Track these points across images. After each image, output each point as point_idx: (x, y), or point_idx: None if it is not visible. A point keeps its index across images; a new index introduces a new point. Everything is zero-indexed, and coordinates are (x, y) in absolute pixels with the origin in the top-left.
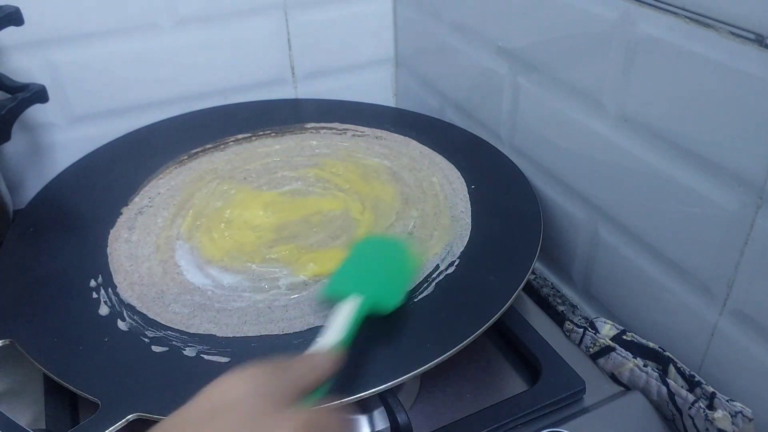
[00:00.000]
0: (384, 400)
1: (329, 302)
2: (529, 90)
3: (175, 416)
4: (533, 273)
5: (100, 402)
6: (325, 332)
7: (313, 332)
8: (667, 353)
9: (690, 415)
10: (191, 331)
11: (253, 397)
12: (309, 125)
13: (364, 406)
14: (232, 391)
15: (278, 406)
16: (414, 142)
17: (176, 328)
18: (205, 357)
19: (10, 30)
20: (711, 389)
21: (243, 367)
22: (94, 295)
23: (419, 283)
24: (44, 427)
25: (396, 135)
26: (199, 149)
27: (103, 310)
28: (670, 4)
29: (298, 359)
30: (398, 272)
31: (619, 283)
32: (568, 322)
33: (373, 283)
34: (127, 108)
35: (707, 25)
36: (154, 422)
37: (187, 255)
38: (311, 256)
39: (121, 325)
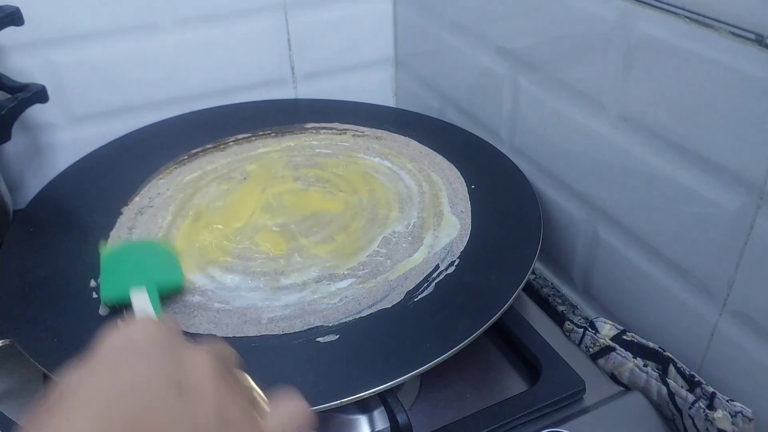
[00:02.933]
0: (384, 400)
1: (114, 306)
2: (529, 90)
3: (81, 369)
4: (533, 273)
5: None
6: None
7: (314, 332)
8: (667, 353)
9: (690, 415)
10: (191, 331)
11: (166, 332)
12: (309, 125)
13: (364, 406)
14: (140, 331)
15: (184, 340)
16: (414, 142)
17: None
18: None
19: (10, 30)
20: (711, 389)
21: (128, 322)
22: (94, 295)
23: (419, 283)
24: None
25: (396, 135)
26: (199, 149)
27: (103, 310)
28: (670, 4)
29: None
30: (160, 257)
31: (619, 283)
32: (568, 322)
33: (146, 272)
34: (127, 108)
35: (707, 25)
36: None
37: (187, 254)
38: (311, 255)
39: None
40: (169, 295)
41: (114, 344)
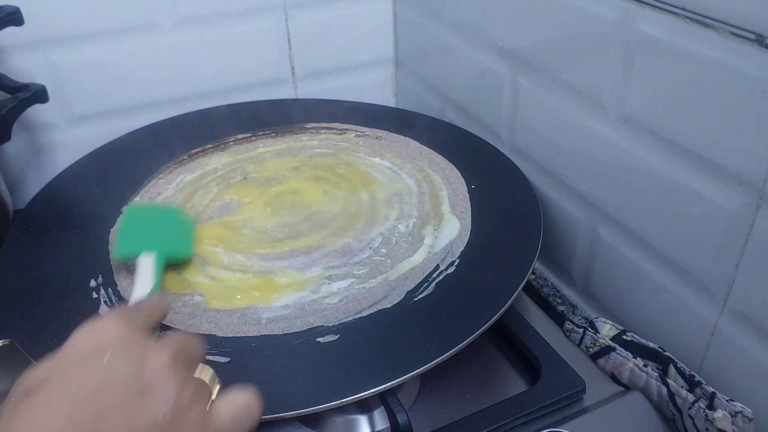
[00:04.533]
0: (384, 400)
1: (124, 260)
2: (529, 90)
3: (51, 366)
4: (533, 273)
5: None
6: (137, 286)
7: (314, 332)
8: (667, 353)
9: (690, 415)
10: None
11: (130, 333)
12: (309, 125)
13: (364, 406)
14: (107, 331)
15: (149, 338)
16: (414, 142)
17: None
18: (206, 357)
19: (10, 30)
20: (711, 389)
21: (101, 316)
22: (94, 295)
23: (419, 283)
24: None
25: (396, 135)
26: (199, 149)
27: (104, 310)
28: (670, 4)
29: (136, 306)
30: (178, 226)
31: (619, 283)
32: (568, 322)
33: (161, 238)
34: (127, 108)
35: (707, 25)
36: None
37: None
38: (311, 255)
39: None
40: (177, 263)
41: (83, 344)
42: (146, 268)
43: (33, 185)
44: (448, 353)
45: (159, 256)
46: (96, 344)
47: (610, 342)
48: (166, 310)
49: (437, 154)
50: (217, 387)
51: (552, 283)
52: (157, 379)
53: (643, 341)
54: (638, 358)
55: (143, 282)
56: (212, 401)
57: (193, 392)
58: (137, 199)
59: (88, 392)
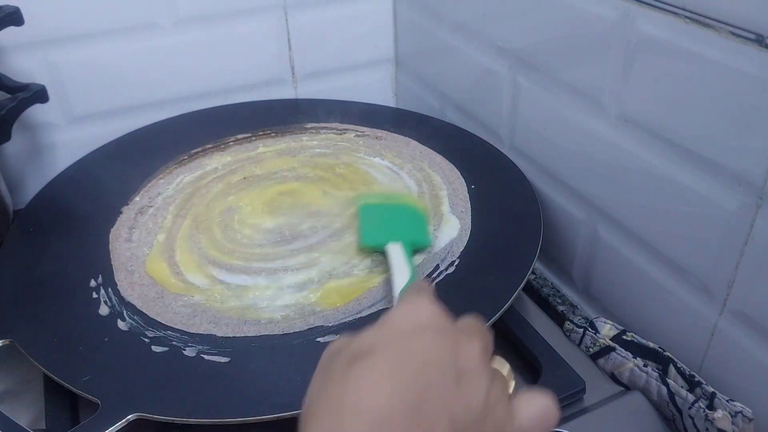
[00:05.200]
0: None
1: (368, 251)
2: (529, 90)
3: (376, 335)
4: (533, 273)
5: (100, 402)
6: (396, 276)
7: (314, 332)
8: (667, 353)
9: (690, 415)
10: (191, 331)
11: (443, 317)
12: (309, 125)
13: None
14: (425, 312)
15: (456, 326)
16: (414, 142)
17: (176, 327)
18: (205, 357)
19: (10, 30)
20: (711, 389)
21: (418, 296)
22: (94, 295)
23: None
24: (44, 427)
25: (396, 135)
26: (199, 149)
27: (103, 310)
28: (670, 4)
29: (425, 288)
30: (413, 216)
31: (619, 283)
32: (568, 322)
33: (400, 228)
34: (127, 108)
35: (707, 25)
36: (154, 422)
37: (187, 255)
38: (311, 255)
39: (121, 325)
40: (418, 251)
41: (403, 321)
42: (398, 258)
43: (33, 185)
44: None
45: (405, 245)
46: (416, 323)
47: (610, 342)
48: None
49: (437, 154)
50: (513, 383)
51: (552, 283)
52: (471, 369)
53: (643, 341)
54: (638, 358)
55: (400, 271)
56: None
57: (500, 389)
58: (137, 199)
59: (413, 367)
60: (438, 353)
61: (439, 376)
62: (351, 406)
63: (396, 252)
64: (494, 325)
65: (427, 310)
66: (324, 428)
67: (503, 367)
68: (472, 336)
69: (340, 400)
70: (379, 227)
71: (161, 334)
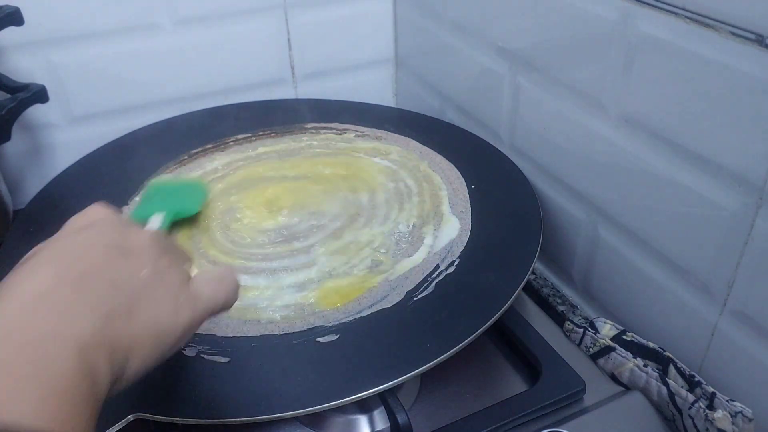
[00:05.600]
0: (384, 400)
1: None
2: (529, 90)
3: (52, 237)
4: (533, 273)
5: None
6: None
7: (314, 332)
8: (667, 353)
9: (690, 415)
10: None
11: (117, 216)
12: (309, 125)
13: (364, 406)
14: (97, 211)
15: (132, 225)
16: (414, 142)
17: None
18: (205, 357)
19: (10, 30)
20: (711, 389)
21: (92, 205)
22: None
23: (419, 282)
24: None
25: (396, 135)
26: (199, 149)
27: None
28: (670, 4)
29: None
30: (188, 191)
31: (619, 283)
32: (568, 322)
33: (170, 202)
34: (127, 108)
35: (707, 25)
36: (154, 422)
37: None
38: (311, 255)
39: None
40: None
41: (76, 222)
42: (154, 224)
43: (33, 185)
44: (448, 353)
45: (167, 215)
46: (86, 221)
47: (610, 342)
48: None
49: (437, 154)
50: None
51: (552, 283)
52: (139, 247)
53: (643, 341)
54: (638, 358)
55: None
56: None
57: (171, 261)
58: (137, 199)
59: (77, 252)
60: (105, 238)
61: (103, 253)
62: (5, 291)
63: (154, 220)
64: (494, 325)
65: (97, 211)
66: None
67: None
68: (144, 230)
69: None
70: (152, 203)
71: None
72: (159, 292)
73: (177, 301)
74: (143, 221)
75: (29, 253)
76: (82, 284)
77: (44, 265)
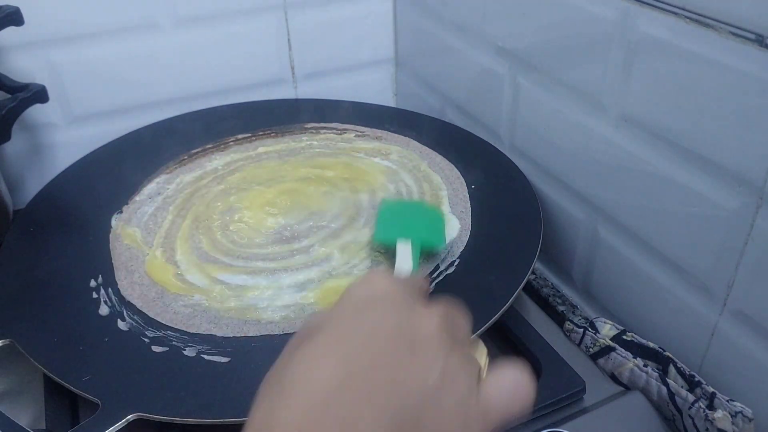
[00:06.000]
0: None
1: (381, 247)
2: (529, 90)
3: (329, 313)
4: (533, 273)
5: (100, 402)
6: (397, 267)
7: None
8: (667, 353)
9: (690, 415)
10: (191, 331)
11: (401, 291)
12: (309, 125)
13: None
14: (380, 285)
15: (417, 302)
16: (414, 142)
17: (176, 327)
18: (205, 357)
19: (10, 30)
20: (711, 389)
21: (375, 272)
22: (94, 295)
23: None
24: (44, 427)
25: (396, 135)
26: (199, 149)
27: (103, 310)
28: (670, 4)
29: (402, 276)
30: (431, 219)
31: (619, 283)
32: (568, 322)
33: (414, 227)
34: (127, 108)
35: (707, 25)
36: (154, 422)
37: (187, 255)
38: (311, 255)
39: (121, 325)
40: (430, 252)
41: (358, 295)
42: (404, 253)
43: (33, 185)
44: None
45: (415, 243)
46: (370, 295)
47: (610, 342)
48: (427, 288)
49: (437, 154)
50: (486, 364)
51: (552, 283)
52: (427, 340)
53: (643, 341)
54: (638, 358)
55: (402, 263)
56: (481, 379)
57: (461, 362)
58: (137, 199)
59: (362, 338)
60: (390, 323)
61: (390, 346)
62: (288, 385)
63: (403, 248)
64: (494, 325)
65: (383, 282)
66: (262, 410)
67: (479, 348)
68: (431, 310)
69: (281, 379)
70: (394, 225)
71: (161, 334)
72: (447, 400)
73: (467, 414)
74: (384, 243)
75: (302, 330)
76: (367, 385)
77: (325, 349)
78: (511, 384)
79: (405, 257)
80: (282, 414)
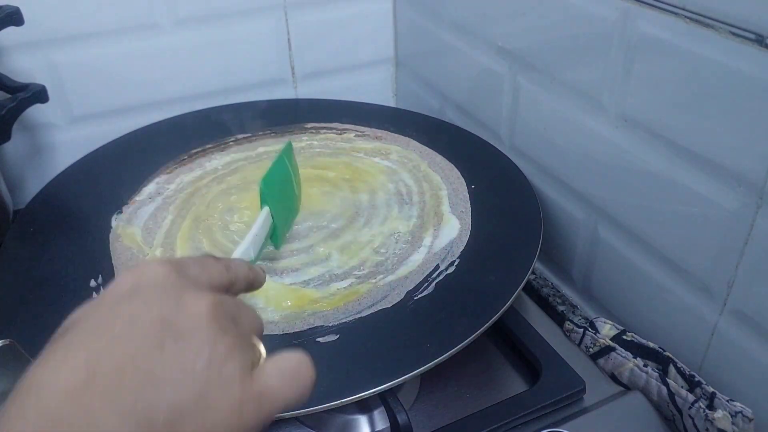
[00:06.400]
0: (384, 400)
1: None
2: (529, 90)
3: (88, 307)
4: (533, 273)
5: None
6: (243, 244)
7: (314, 332)
8: (667, 353)
9: (690, 415)
10: None
11: (173, 277)
12: (309, 125)
13: (364, 406)
14: (149, 273)
15: (193, 287)
16: (414, 142)
17: None
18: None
19: (10, 30)
20: (711, 389)
21: (146, 262)
22: (94, 295)
23: (419, 282)
24: None
25: (396, 135)
26: (199, 149)
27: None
28: (670, 4)
29: (204, 258)
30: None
31: (619, 283)
32: (568, 322)
33: (279, 205)
34: (127, 108)
35: (707, 25)
36: None
37: (187, 254)
38: (311, 255)
39: None
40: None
41: (121, 286)
42: (262, 219)
43: (33, 185)
44: (448, 353)
45: (271, 221)
46: (134, 285)
47: (610, 342)
48: (252, 279)
49: (437, 154)
50: (264, 352)
51: (552, 283)
52: (193, 324)
53: (643, 341)
54: (638, 358)
55: (249, 242)
56: (257, 365)
57: (232, 345)
58: (137, 199)
59: (115, 332)
60: (152, 313)
61: (148, 335)
62: (25, 391)
63: (264, 215)
64: (494, 325)
65: (153, 270)
66: (11, 412)
67: (252, 337)
68: (202, 296)
69: (27, 383)
70: (278, 191)
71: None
72: (215, 391)
73: (240, 398)
74: (261, 192)
75: (68, 320)
76: (115, 381)
77: (75, 351)
78: (289, 368)
79: (254, 237)
80: (17, 425)
